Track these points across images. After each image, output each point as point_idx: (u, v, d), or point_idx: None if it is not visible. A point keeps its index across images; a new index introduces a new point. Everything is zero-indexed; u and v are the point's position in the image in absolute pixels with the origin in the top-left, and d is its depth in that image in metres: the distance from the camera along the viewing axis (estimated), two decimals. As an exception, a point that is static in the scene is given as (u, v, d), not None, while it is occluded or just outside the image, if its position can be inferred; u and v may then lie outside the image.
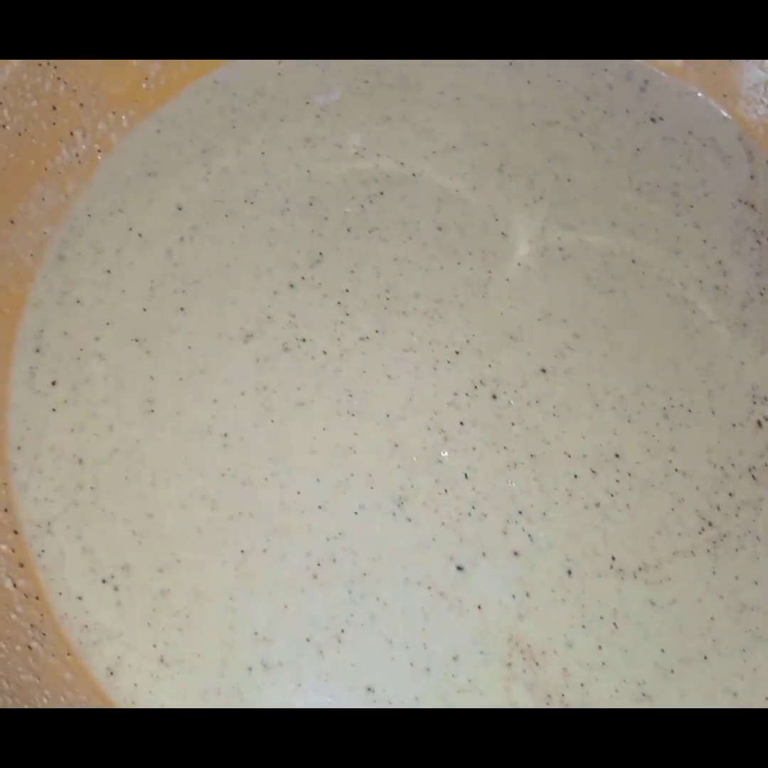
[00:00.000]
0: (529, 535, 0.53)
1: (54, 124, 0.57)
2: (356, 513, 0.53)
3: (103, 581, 0.52)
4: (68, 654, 0.50)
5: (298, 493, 0.54)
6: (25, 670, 0.48)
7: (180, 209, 0.61)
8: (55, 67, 0.56)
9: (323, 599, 0.52)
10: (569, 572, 0.53)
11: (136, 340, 0.57)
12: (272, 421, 0.56)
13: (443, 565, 0.53)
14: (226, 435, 0.55)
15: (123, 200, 0.61)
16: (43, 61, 0.54)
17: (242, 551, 0.52)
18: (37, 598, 0.51)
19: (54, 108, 0.57)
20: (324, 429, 0.56)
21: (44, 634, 0.50)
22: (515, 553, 0.53)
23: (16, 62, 0.52)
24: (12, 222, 0.56)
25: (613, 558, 0.53)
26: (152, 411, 0.56)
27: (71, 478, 0.54)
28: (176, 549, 0.52)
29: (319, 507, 0.53)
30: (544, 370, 0.58)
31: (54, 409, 0.56)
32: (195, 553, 0.52)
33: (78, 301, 0.58)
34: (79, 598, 0.51)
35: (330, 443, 0.55)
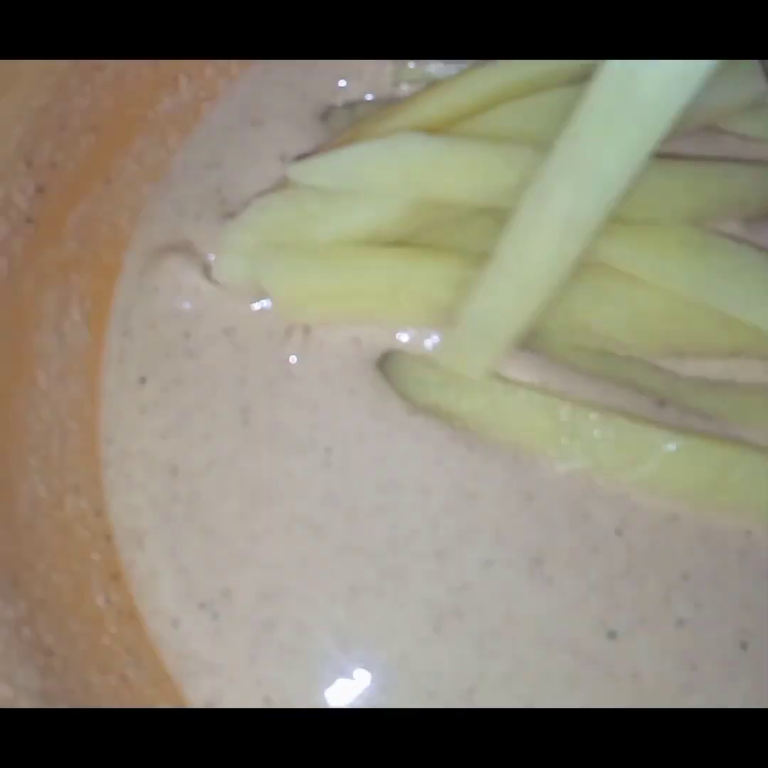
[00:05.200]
0: None
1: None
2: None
3: (202, 606, 0.48)
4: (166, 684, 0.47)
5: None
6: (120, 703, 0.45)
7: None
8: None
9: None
10: None
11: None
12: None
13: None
14: (328, 449, 0.49)
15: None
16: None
17: (352, 588, 0.48)
18: (130, 616, 0.48)
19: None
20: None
21: (139, 660, 0.47)
22: None
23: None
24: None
25: None
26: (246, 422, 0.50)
27: (164, 489, 0.49)
28: (280, 577, 0.48)
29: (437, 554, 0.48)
30: None
31: (143, 411, 0.51)
32: (301, 583, 0.48)
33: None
34: (175, 623, 0.48)
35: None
